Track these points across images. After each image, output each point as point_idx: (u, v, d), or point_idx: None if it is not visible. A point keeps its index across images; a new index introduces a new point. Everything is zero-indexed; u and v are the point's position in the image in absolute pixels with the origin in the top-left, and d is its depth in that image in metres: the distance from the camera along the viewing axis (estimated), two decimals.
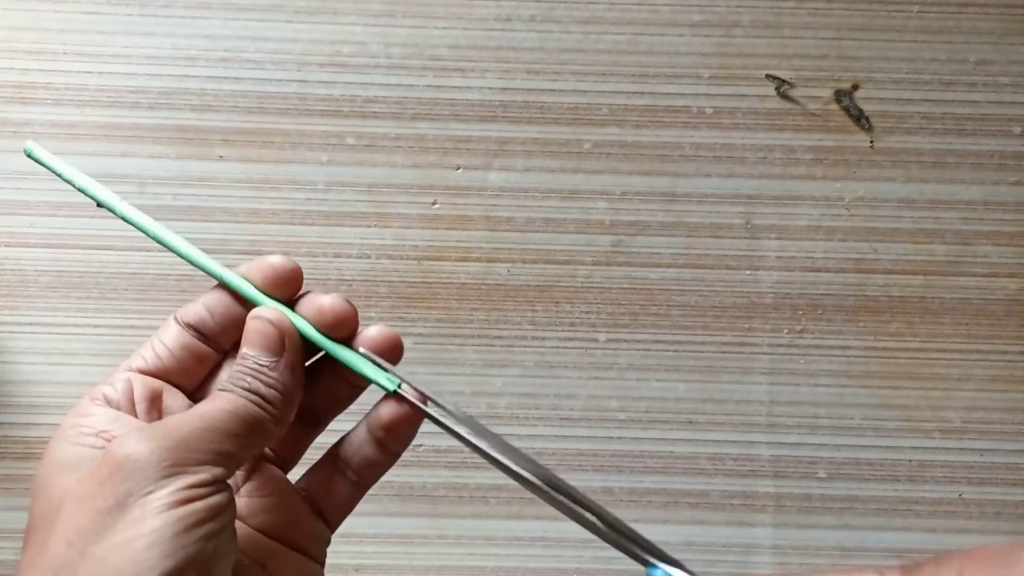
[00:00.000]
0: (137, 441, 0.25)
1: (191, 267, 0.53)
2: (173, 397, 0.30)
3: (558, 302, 0.54)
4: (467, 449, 0.55)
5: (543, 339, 0.54)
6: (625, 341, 0.54)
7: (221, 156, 0.53)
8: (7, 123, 0.53)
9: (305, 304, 0.30)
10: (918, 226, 0.54)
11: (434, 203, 0.54)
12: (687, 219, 0.54)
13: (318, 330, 0.30)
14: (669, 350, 0.54)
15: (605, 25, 0.54)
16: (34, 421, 0.53)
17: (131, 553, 0.24)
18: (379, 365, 0.30)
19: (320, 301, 0.30)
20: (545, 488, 0.28)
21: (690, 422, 0.53)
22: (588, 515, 0.28)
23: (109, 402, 0.29)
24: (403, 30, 0.54)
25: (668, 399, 0.53)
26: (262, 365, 0.29)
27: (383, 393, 0.30)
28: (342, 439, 0.32)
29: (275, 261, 0.30)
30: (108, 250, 0.53)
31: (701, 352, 0.54)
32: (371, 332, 0.30)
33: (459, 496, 0.53)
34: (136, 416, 0.29)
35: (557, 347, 0.54)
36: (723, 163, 0.54)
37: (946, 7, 0.54)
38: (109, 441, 0.27)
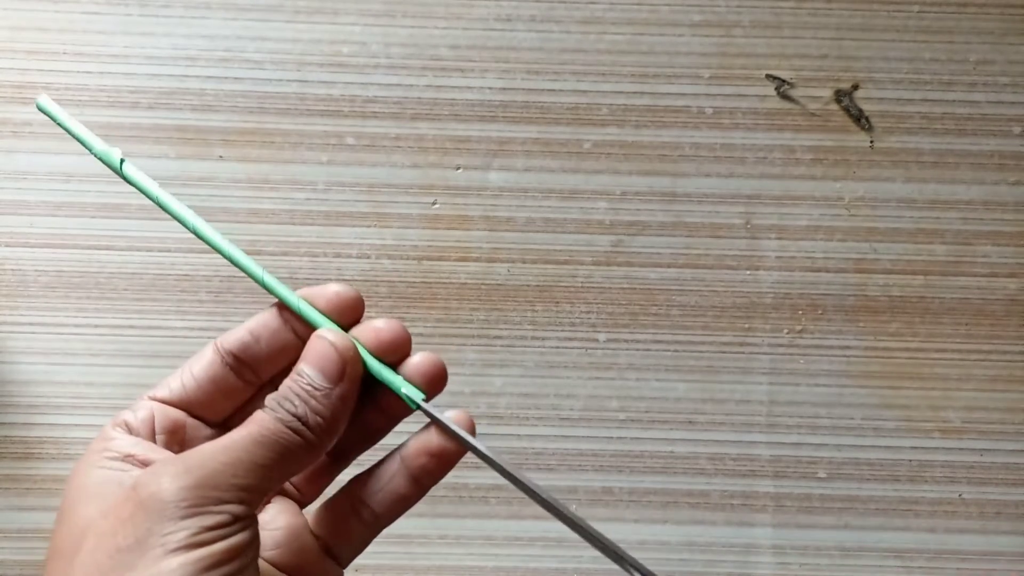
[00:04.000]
0: (161, 478, 0.25)
1: (191, 267, 0.54)
2: (195, 429, 0.30)
3: (558, 302, 0.54)
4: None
5: (543, 339, 0.53)
6: (625, 341, 0.54)
7: (221, 156, 0.53)
8: (7, 123, 0.53)
9: (360, 329, 0.30)
10: (918, 226, 0.54)
11: (434, 203, 0.54)
12: (687, 219, 0.54)
13: (379, 359, 0.29)
14: (669, 350, 0.54)
15: (605, 25, 0.54)
16: (34, 421, 0.53)
17: None
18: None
19: (376, 324, 0.30)
20: (586, 528, 0.29)
21: (690, 422, 0.53)
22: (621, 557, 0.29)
23: (130, 429, 0.28)
24: (403, 30, 0.54)
25: (668, 399, 0.53)
26: (316, 389, 0.28)
27: (416, 428, 0.30)
28: (362, 475, 0.31)
29: (338, 288, 0.30)
30: (108, 250, 0.53)
31: (701, 352, 0.54)
32: (417, 360, 0.30)
33: (459, 496, 0.53)
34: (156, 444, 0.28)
35: (557, 347, 0.54)
36: (723, 163, 0.54)
37: (946, 7, 0.54)
38: (138, 464, 0.27)
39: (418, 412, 0.30)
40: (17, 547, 0.52)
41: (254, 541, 0.26)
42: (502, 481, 0.53)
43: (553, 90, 0.54)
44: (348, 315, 0.30)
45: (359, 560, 0.31)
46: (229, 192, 0.53)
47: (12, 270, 0.53)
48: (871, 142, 0.54)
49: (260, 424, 0.27)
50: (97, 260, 0.53)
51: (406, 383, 0.29)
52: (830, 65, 0.54)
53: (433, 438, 0.30)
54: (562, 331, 0.53)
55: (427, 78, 0.54)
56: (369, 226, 0.54)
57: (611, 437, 0.53)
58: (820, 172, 0.54)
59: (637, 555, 0.54)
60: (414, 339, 0.30)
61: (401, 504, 0.30)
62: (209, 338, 0.31)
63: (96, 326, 0.53)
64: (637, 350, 0.54)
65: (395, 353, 0.30)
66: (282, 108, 0.54)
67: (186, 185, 0.53)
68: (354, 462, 0.32)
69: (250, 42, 0.54)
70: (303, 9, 0.54)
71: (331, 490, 0.32)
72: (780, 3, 0.54)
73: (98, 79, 0.53)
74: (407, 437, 0.31)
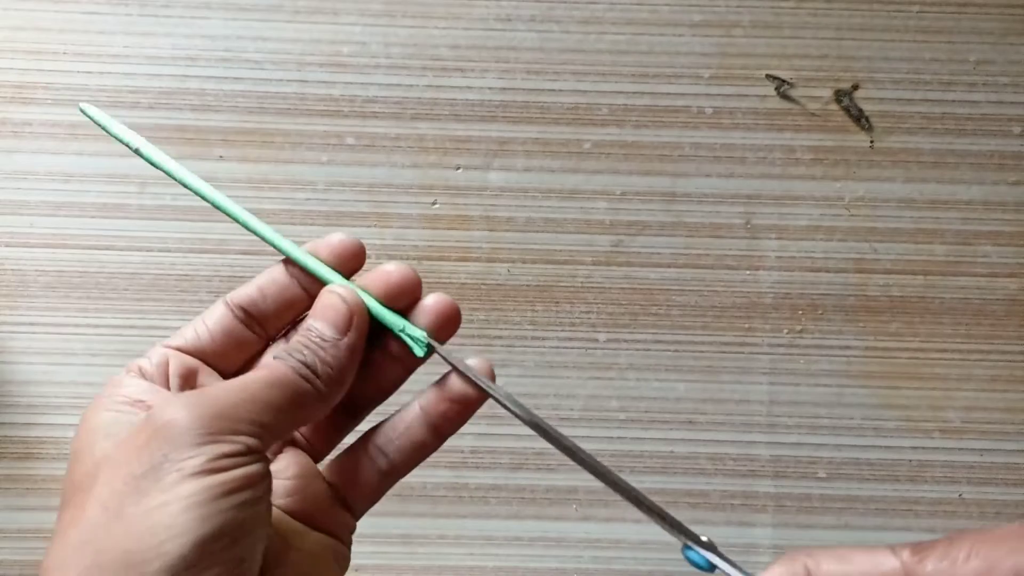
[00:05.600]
0: (176, 408, 0.25)
1: (191, 267, 0.54)
2: (208, 377, 0.30)
3: (558, 302, 0.54)
4: (467, 449, 0.55)
5: (543, 339, 0.53)
6: (625, 341, 0.54)
7: (221, 156, 0.53)
8: (7, 123, 0.53)
9: (369, 275, 0.30)
10: (918, 226, 0.54)
11: (434, 203, 0.54)
12: (687, 219, 0.54)
13: (386, 306, 0.30)
14: (669, 350, 0.54)
15: (605, 25, 0.54)
16: (34, 421, 0.53)
17: (166, 516, 0.24)
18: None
19: (386, 268, 0.30)
20: (602, 470, 0.30)
21: (690, 422, 0.53)
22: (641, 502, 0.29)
23: (144, 374, 0.29)
24: (403, 30, 0.54)
25: (668, 399, 0.53)
26: (325, 340, 0.28)
27: (435, 378, 0.30)
28: (380, 425, 0.31)
29: (342, 237, 0.30)
30: (108, 250, 0.53)
31: (701, 352, 0.54)
32: (428, 301, 0.30)
33: (459, 496, 0.53)
34: (170, 390, 0.29)
35: (557, 347, 0.53)
36: (723, 163, 0.54)
37: (946, 7, 0.54)
38: (147, 409, 0.27)
39: (435, 362, 0.30)
40: (17, 547, 0.52)
41: (267, 477, 0.26)
42: (502, 481, 0.54)
43: (553, 90, 0.54)
44: (352, 262, 0.30)
45: (360, 560, 0.31)
46: (229, 192, 0.53)
47: (12, 270, 0.53)
48: (871, 142, 0.54)
49: (272, 368, 0.28)
50: (97, 260, 0.53)
51: (409, 324, 0.30)
52: (830, 65, 0.54)
53: (453, 384, 0.30)
54: (562, 331, 0.53)
55: (427, 78, 0.54)
56: (369, 226, 0.54)
57: (611, 437, 0.53)
58: (820, 172, 0.54)
59: (638, 554, 0.54)
60: None
61: (418, 453, 0.31)
62: None
63: (96, 326, 0.53)
64: (637, 350, 0.54)
65: (406, 297, 0.30)
66: (282, 108, 0.54)
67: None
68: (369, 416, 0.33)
69: (250, 42, 0.54)
70: (303, 9, 0.54)
71: (348, 441, 0.32)
72: (780, 3, 0.54)
73: (98, 79, 0.53)
74: (424, 389, 0.31)
